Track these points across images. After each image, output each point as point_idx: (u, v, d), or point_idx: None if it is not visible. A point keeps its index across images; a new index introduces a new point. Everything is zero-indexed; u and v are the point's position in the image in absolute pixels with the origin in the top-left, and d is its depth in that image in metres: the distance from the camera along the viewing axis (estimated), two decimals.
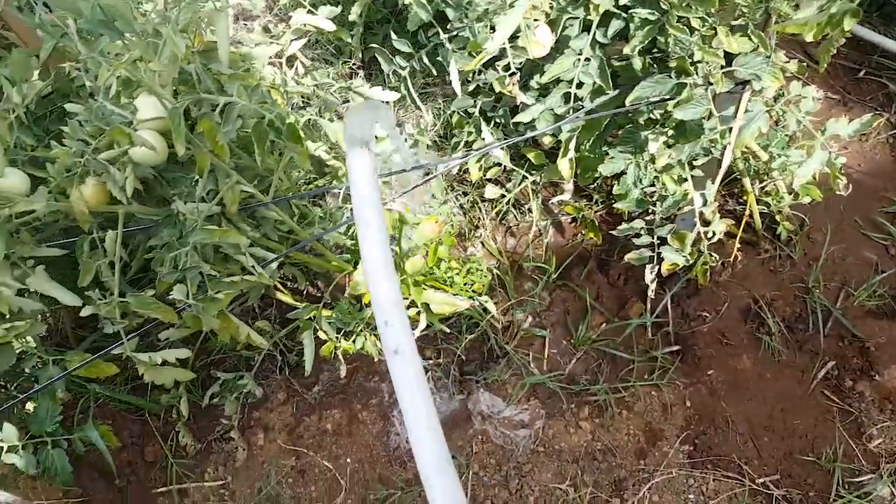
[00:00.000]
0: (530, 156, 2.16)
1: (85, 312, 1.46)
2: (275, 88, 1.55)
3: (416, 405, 0.90)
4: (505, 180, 2.27)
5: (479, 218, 2.29)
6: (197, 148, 1.38)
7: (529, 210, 2.29)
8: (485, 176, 2.23)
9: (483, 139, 2.08)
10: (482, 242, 2.28)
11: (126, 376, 2.05)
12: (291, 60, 2.21)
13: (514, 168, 2.18)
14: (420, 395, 0.91)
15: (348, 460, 2.02)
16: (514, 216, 2.32)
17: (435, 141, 2.39)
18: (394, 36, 2.11)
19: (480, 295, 2.08)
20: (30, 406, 1.77)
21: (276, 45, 1.84)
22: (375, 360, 2.08)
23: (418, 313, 1.89)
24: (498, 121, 2.13)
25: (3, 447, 1.60)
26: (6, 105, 1.36)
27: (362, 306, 1.91)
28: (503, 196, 2.25)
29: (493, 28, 1.75)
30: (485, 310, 2.09)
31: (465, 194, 2.32)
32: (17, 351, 1.63)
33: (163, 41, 1.22)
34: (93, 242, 1.49)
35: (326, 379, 2.15)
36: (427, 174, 2.01)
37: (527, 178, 2.19)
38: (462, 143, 2.21)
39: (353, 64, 2.52)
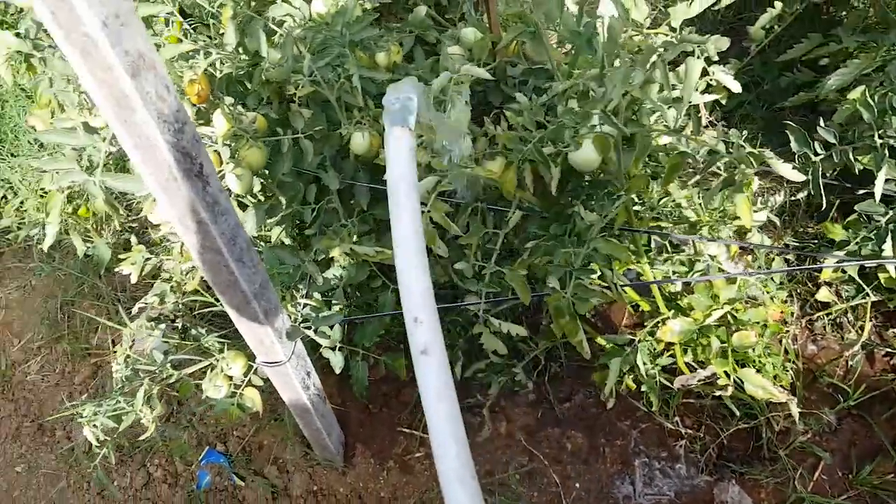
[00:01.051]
0: (882, 276, 1.97)
1: (458, 266, 1.58)
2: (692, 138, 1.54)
3: (440, 411, 0.82)
4: (839, 286, 2.10)
5: (793, 312, 2.15)
6: (616, 167, 1.42)
7: (849, 325, 2.09)
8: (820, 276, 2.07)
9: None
10: (780, 339, 2.13)
11: None
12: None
13: (861, 283, 2.00)
14: (446, 400, 0.82)
15: (577, 485, 2.01)
16: (825, 325, 2.14)
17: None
18: (821, 121, 1.95)
19: (784, 389, 1.95)
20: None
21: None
22: (637, 405, 2.04)
23: (721, 384, 1.81)
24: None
25: (326, 345, 1.78)
26: None
27: (660, 353, 1.87)
28: (831, 304, 2.07)
29: None
30: (768, 405, 1.96)
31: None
32: (369, 270, 1.81)
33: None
34: (474, 210, 1.60)
35: (580, 401, 2.15)
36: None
37: (869, 296, 2.00)
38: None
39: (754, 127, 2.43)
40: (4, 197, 2.67)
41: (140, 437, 1.85)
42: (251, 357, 1.68)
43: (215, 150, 1.56)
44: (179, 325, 2.02)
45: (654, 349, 1.89)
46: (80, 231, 2.55)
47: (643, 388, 1.92)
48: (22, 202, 2.65)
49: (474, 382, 2.15)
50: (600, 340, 1.93)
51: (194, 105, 1.65)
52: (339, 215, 1.76)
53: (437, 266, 1.88)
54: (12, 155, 2.71)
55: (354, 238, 1.70)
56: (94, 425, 1.54)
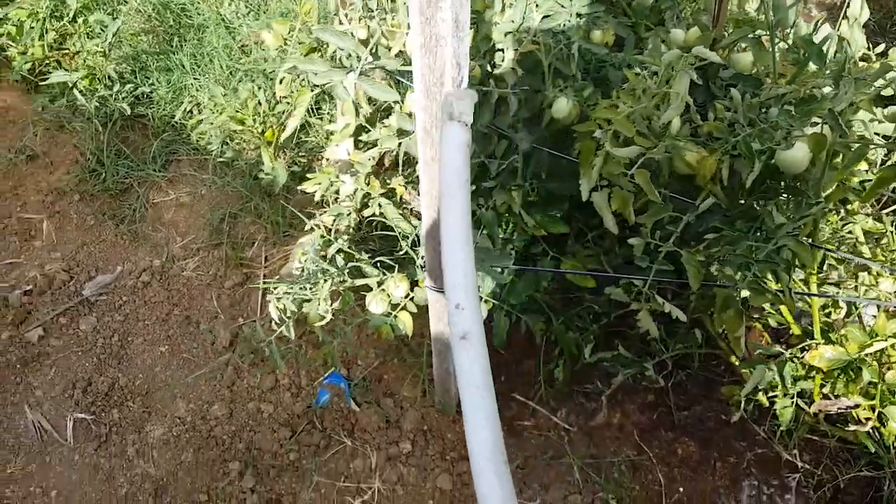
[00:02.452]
0: None
1: (632, 241, 1.60)
2: None
3: (476, 400, 0.81)
4: None
5: None
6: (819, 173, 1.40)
7: None
8: None
9: None
10: None
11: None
12: None
13: None
14: (481, 386, 0.81)
15: (680, 489, 1.98)
16: None
17: None
18: None
19: None
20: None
21: None
22: (756, 429, 1.99)
23: (863, 415, 1.74)
24: None
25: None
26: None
27: (802, 377, 1.82)
28: None
29: None
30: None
31: None
32: (531, 236, 1.85)
33: None
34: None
35: (700, 412, 2.12)
36: None
37: None
38: None
39: None
40: (190, 112, 2.89)
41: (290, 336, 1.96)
42: (414, 283, 1.75)
43: None
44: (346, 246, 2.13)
45: (797, 371, 1.84)
46: (253, 151, 2.74)
47: (775, 407, 1.87)
48: (203, 119, 2.86)
49: (595, 371, 2.15)
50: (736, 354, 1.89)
51: None
52: (517, 176, 1.81)
53: (583, 249, 1.91)
54: (204, 76, 2.94)
55: (520, 203, 1.76)
56: (280, 304, 1.65)
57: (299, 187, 2.18)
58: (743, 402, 1.90)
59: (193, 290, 2.46)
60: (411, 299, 1.75)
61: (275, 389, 2.20)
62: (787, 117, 1.42)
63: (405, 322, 1.74)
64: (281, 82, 1.90)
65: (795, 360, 1.83)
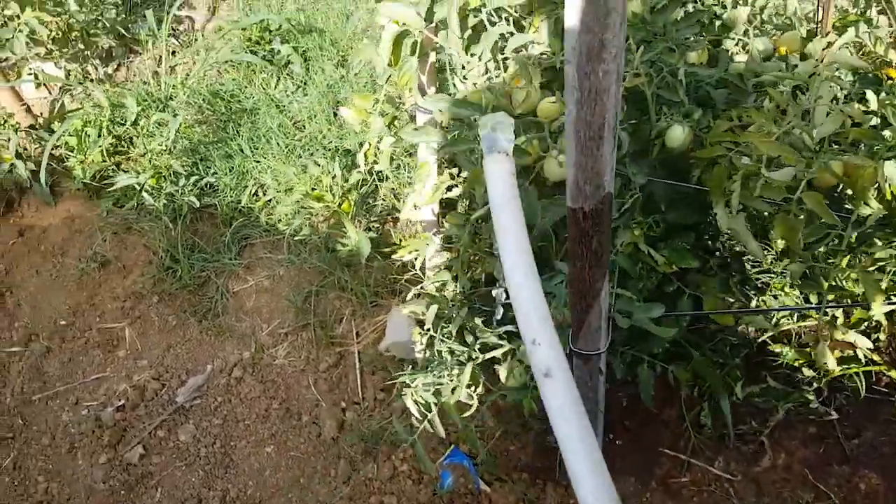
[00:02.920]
0: None
1: (792, 268, 1.40)
2: None
3: (571, 434, 0.77)
4: None
5: None
6: None
7: None
8: None
9: None
10: None
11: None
12: None
13: None
14: (576, 420, 0.77)
15: None
16: None
17: None
18: None
19: None
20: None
21: None
22: None
23: None
24: None
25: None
26: None
27: None
28: None
29: None
30: None
31: None
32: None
33: None
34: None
35: (871, 438, 1.86)
36: None
37: None
38: None
39: None
40: (256, 194, 2.81)
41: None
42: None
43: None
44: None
45: None
46: (326, 224, 2.63)
47: None
48: (270, 200, 2.77)
49: (743, 409, 1.92)
50: None
51: None
52: (634, 212, 1.65)
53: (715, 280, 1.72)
54: (264, 157, 2.87)
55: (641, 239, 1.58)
56: (418, 398, 1.48)
57: (394, 256, 2.05)
58: None
59: (288, 378, 2.31)
60: None
61: (394, 478, 2.02)
62: None
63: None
64: (366, 155, 1.79)
65: None
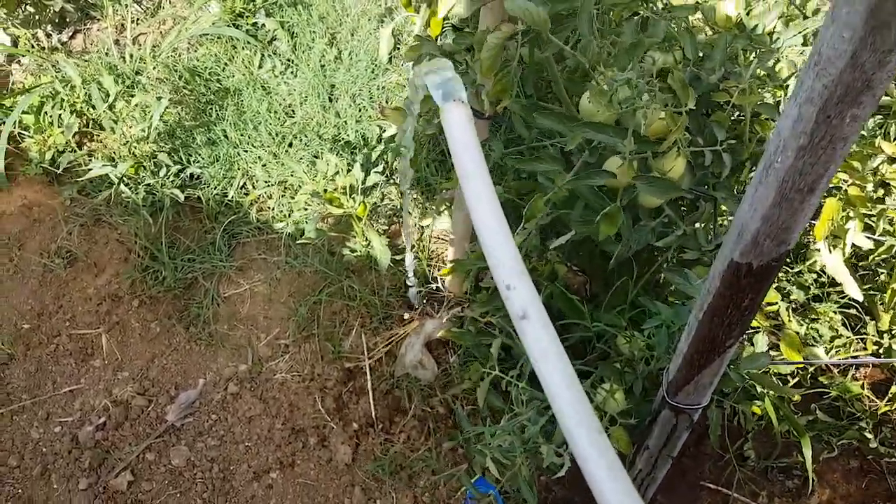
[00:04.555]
0: None
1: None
2: None
3: (553, 371, 0.78)
4: None
5: None
6: None
7: None
8: None
9: None
10: None
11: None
12: None
13: None
14: (556, 358, 0.79)
15: None
16: None
17: None
18: None
19: None
20: None
21: None
22: None
23: None
24: None
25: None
26: None
27: None
28: None
29: None
30: None
31: None
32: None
33: None
34: None
35: None
36: None
37: None
38: None
39: None
40: (244, 187, 2.50)
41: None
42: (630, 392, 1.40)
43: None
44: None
45: None
46: (331, 225, 2.37)
47: None
48: (261, 195, 2.48)
49: (785, 439, 1.84)
50: None
51: None
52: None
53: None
54: (253, 146, 2.56)
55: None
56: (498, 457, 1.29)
57: (440, 276, 1.83)
58: None
59: (292, 395, 2.08)
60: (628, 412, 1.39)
61: None
62: None
63: (622, 443, 1.39)
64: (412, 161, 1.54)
65: None
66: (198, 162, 2.53)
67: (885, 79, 0.60)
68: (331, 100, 2.76)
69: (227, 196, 2.48)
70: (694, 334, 1.03)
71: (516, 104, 1.32)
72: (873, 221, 1.22)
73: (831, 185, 1.24)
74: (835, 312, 1.73)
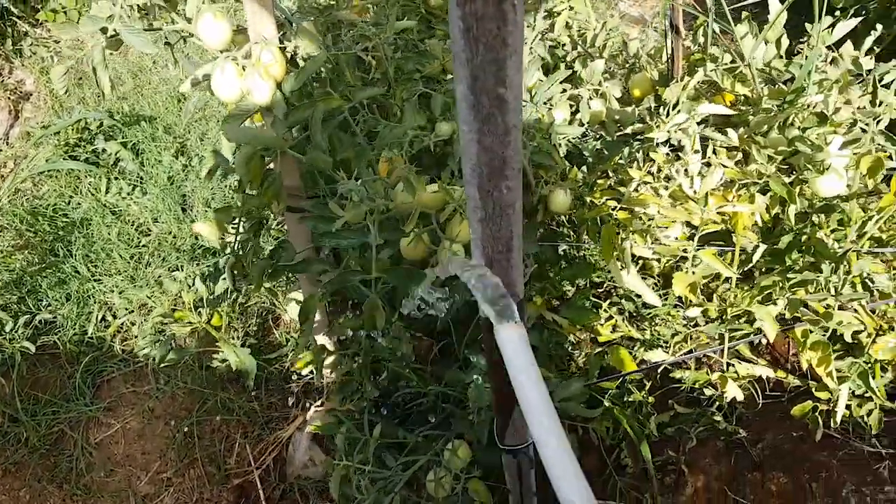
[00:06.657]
0: None
1: (690, 313, 1.35)
2: None
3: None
4: None
5: None
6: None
7: None
8: None
9: None
10: None
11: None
12: None
13: None
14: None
15: None
16: None
17: None
18: None
19: None
20: None
21: None
22: (830, 433, 1.79)
23: None
24: None
25: None
26: None
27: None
28: None
29: None
30: None
31: None
32: None
33: None
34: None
35: (771, 440, 1.89)
36: None
37: None
38: None
39: None
40: (104, 319, 2.35)
41: None
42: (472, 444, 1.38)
43: None
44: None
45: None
46: (195, 340, 2.25)
47: (862, 415, 1.67)
48: (123, 323, 2.33)
49: (656, 440, 1.87)
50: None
51: None
52: (531, 283, 1.53)
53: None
54: (108, 275, 2.42)
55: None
56: None
57: (299, 370, 1.76)
58: (821, 420, 1.71)
59: None
60: (474, 464, 1.38)
61: None
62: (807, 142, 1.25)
63: (479, 492, 1.37)
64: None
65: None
66: (49, 306, 2.36)
67: (513, 155, 0.64)
68: (184, 210, 2.68)
69: (86, 334, 2.32)
70: (491, 383, 1.03)
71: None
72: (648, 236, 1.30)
73: (602, 214, 1.30)
74: (668, 314, 1.81)
